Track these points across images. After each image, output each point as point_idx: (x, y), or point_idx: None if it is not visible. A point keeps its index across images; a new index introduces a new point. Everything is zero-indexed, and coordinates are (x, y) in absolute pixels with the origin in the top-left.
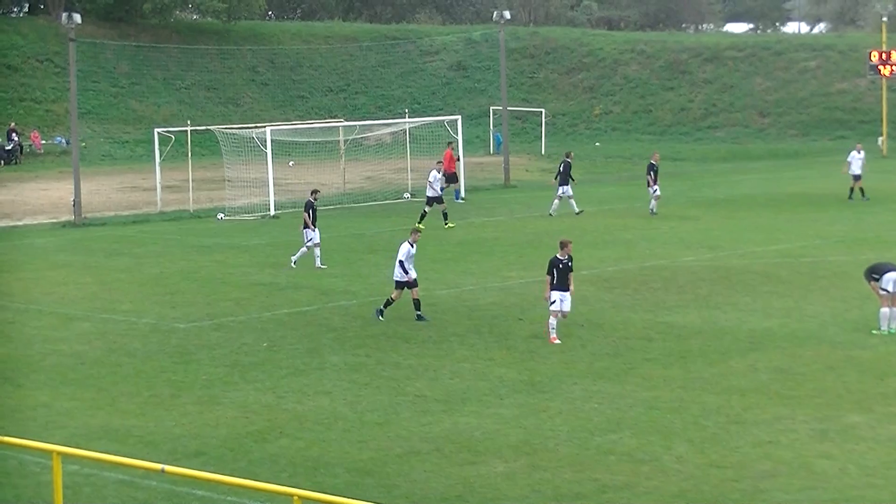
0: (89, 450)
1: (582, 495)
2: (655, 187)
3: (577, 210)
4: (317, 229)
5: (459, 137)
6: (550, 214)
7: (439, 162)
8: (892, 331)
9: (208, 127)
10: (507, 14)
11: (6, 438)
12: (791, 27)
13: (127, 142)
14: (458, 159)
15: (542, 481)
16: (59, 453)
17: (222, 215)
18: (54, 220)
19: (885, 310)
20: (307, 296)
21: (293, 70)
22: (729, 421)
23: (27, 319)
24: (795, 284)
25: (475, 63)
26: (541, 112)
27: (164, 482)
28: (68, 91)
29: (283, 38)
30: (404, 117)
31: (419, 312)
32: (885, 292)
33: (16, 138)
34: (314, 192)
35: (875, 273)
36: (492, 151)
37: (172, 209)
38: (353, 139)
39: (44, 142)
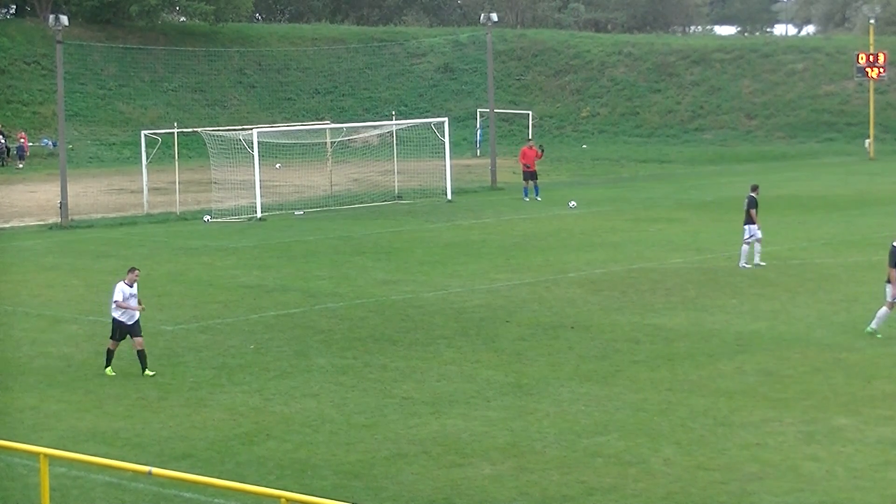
0: (77, 452)
1: (569, 497)
2: None
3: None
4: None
5: (446, 140)
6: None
7: None
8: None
9: (195, 129)
10: (495, 16)
11: None
12: (779, 29)
13: (114, 144)
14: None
15: (529, 483)
16: (46, 455)
17: (209, 217)
18: (41, 223)
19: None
20: (294, 298)
21: (280, 72)
22: (716, 423)
23: (15, 322)
24: (783, 287)
25: (462, 65)
26: (528, 114)
27: (151, 484)
28: (55, 93)
29: (270, 41)
30: (391, 119)
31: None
32: None
33: (2, 140)
34: (755, 187)
35: None
36: (478, 147)
37: (159, 211)
38: (340, 141)
39: (30, 144)
